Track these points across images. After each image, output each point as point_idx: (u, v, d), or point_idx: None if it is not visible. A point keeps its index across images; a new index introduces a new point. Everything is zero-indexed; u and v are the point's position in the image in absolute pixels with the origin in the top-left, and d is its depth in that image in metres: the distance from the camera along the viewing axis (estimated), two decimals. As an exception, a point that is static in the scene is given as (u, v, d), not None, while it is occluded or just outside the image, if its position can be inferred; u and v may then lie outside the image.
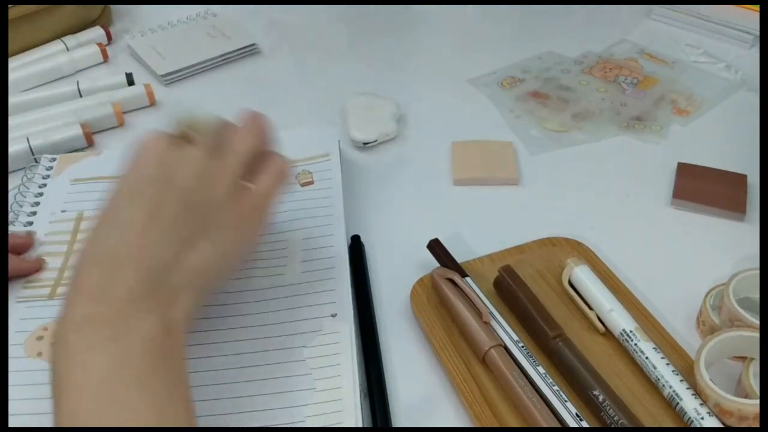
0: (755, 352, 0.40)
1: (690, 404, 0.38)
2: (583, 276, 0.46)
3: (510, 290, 0.45)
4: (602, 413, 0.38)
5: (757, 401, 0.37)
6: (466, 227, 0.53)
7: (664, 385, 0.39)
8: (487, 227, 0.53)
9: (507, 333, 0.42)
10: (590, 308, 0.44)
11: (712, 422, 0.37)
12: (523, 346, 0.42)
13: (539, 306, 0.44)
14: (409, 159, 0.60)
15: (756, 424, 0.37)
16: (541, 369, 0.40)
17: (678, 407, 0.39)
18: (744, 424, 0.37)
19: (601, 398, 0.39)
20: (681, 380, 0.39)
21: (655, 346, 0.41)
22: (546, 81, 0.69)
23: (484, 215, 0.55)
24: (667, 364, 0.40)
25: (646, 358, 0.41)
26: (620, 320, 0.43)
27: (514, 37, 0.77)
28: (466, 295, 0.44)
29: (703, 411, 0.38)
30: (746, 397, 0.38)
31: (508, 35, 0.78)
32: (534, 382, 0.40)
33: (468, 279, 0.46)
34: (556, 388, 0.39)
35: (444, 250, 0.48)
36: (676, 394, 0.39)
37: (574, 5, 0.81)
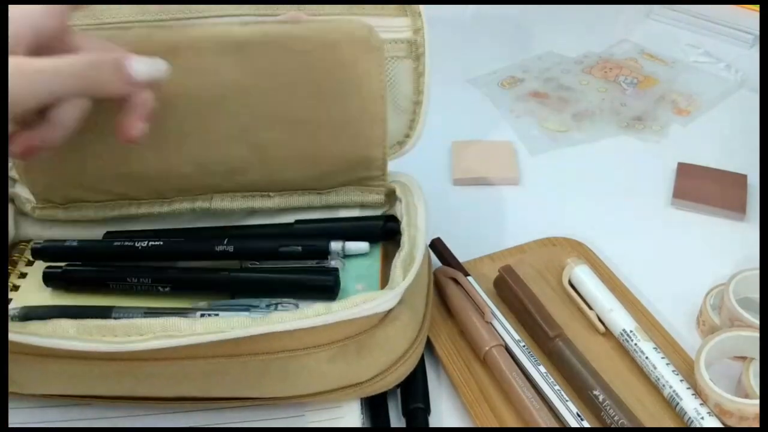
0: (755, 352, 0.40)
1: (690, 404, 0.38)
2: (583, 276, 0.46)
3: (510, 290, 0.45)
4: (602, 413, 0.38)
5: (757, 401, 0.37)
6: (466, 227, 0.53)
7: (664, 385, 0.39)
8: (487, 227, 0.53)
9: (508, 332, 0.42)
10: (590, 308, 0.44)
11: (712, 422, 0.37)
12: (524, 346, 0.42)
13: (539, 306, 0.44)
14: (409, 159, 0.60)
15: (756, 424, 0.37)
16: (542, 368, 0.40)
17: (678, 407, 0.39)
18: (744, 424, 0.37)
19: (601, 398, 0.39)
20: (681, 380, 0.39)
21: (655, 346, 0.41)
22: (546, 81, 0.69)
23: (484, 215, 0.55)
24: (667, 364, 0.40)
25: (646, 358, 0.41)
26: (620, 320, 0.43)
27: (514, 37, 0.77)
28: (468, 294, 0.44)
29: (703, 411, 0.38)
30: (746, 397, 0.38)
31: (508, 35, 0.78)
32: (535, 382, 0.40)
33: (470, 278, 0.46)
34: (557, 387, 0.39)
35: (446, 249, 0.48)
36: (676, 394, 0.39)
37: (574, 5, 0.81)
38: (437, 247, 0.49)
